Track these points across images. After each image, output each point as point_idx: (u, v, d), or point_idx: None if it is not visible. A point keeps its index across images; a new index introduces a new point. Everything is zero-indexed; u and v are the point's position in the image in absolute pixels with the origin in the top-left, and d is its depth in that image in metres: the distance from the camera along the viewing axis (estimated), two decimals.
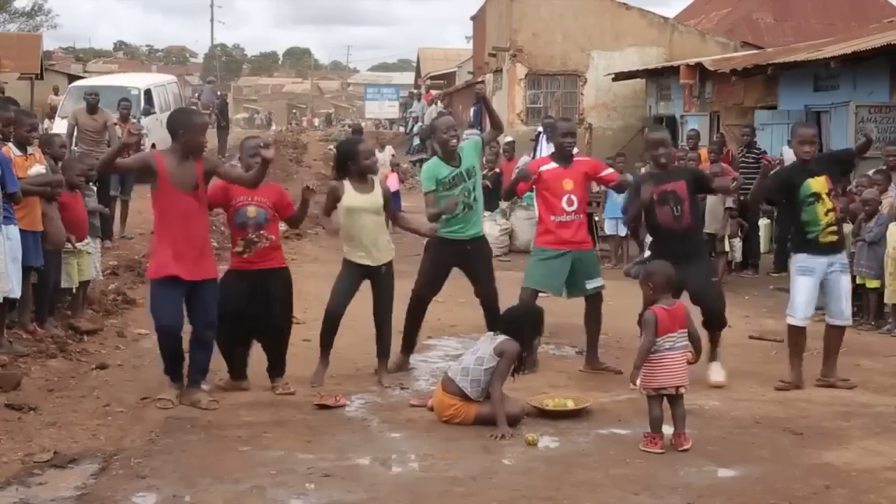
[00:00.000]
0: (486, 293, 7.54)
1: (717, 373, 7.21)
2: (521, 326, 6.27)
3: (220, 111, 26.99)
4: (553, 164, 7.56)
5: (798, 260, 7.26)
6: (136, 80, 22.02)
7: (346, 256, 7.13)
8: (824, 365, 7.31)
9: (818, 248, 7.12)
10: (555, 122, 8.08)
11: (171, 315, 6.32)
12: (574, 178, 7.48)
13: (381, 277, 7.11)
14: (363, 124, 40.82)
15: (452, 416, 6.11)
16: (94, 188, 9.77)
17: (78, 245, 8.34)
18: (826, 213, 7.08)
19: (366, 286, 7.17)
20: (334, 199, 7.05)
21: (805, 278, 7.18)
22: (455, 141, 7.39)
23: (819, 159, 7.24)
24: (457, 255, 7.45)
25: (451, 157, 7.43)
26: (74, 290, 8.44)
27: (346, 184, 7.04)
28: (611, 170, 7.91)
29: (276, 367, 6.92)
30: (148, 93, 20.57)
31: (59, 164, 8.40)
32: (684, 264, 6.57)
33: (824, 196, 7.07)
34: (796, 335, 7.25)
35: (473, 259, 7.49)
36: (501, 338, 6.22)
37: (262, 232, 6.69)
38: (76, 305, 8.51)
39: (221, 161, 6.49)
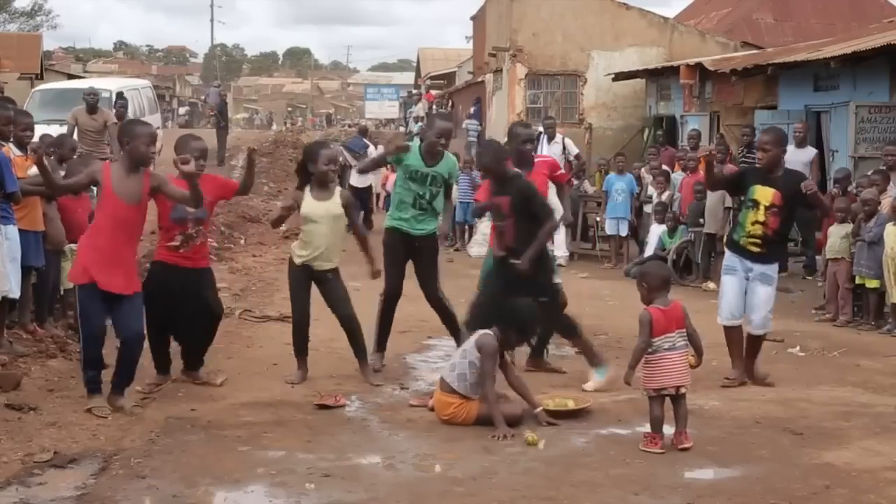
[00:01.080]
0: (426, 290, 7.64)
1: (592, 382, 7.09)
2: (487, 316, 6.29)
3: (219, 111, 26.97)
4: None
5: (725, 258, 7.38)
6: (107, 83, 21.27)
7: (291, 255, 7.19)
8: (735, 364, 7.28)
9: (739, 249, 7.17)
10: (513, 128, 8.06)
11: (97, 320, 6.20)
12: (536, 180, 7.53)
13: (327, 282, 7.12)
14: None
15: (453, 416, 6.11)
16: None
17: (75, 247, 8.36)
18: (753, 224, 7.07)
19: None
20: (289, 209, 7.13)
21: (729, 277, 7.25)
22: (440, 148, 7.51)
23: (786, 180, 7.10)
24: (406, 246, 7.54)
25: (431, 156, 7.52)
26: (63, 292, 8.43)
27: (307, 192, 7.08)
28: (562, 171, 8.06)
29: (199, 360, 7.02)
30: (120, 96, 19.53)
31: (64, 164, 8.41)
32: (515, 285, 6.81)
33: (762, 207, 7.04)
34: (726, 334, 7.29)
35: (420, 255, 7.59)
36: (481, 331, 6.22)
37: (200, 227, 6.76)
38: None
39: (167, 180, 6.38)
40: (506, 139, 7.98)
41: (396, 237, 7.57)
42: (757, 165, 7.29)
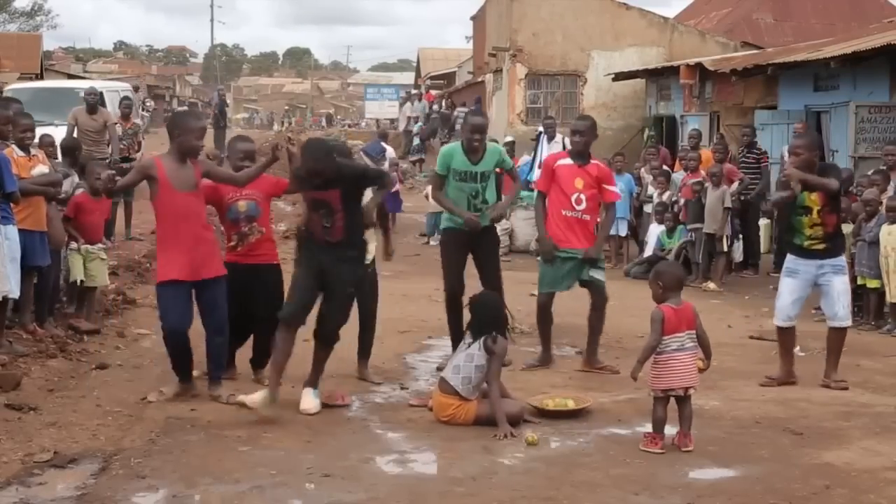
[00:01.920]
0: (488, 281, 7.58)
1: (307, 400, 6.39)
2: (482, 320, 6.29)
3: (219, 111, 26.97)
4: (568, 161, 7.62)
5: (787, 261, 7.41)
6: (81, 84, 19.81)
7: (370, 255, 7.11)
8: (826, 366, 7.34)
9: (803, 252, 7.21)
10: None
11: (177, 316, 6.37)
12: (585, 178, 7.54)
13: (366, 275, 7.11)
14: (363, 123, 40.78)
15: (452, 417, 6.11)
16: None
17: (91, 248, 8.39)
18: (811, 227, 7.13)
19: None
20: None
21: (788, 279, 7.28)
22: (477, 144, 7.47)
23: (822, 175, 7.11)
24: (465, 242, 7.55)
25: (472, 152, 7.50)
26: (79, 284, 8.44)
27: None
28: (616, 189, 7.85)
29: (263, 359, 6.99)
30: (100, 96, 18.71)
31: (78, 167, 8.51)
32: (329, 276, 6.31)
33: (815, 212, 7.11)
34: (780, 335, 7.36)
35: (480, 247, 7.59)
36: (487, 335, 6.21)
37: (254, 224, 6.82)
38: (88, 312, 8.48)
39: (212, 163, 6.51)
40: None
41: (455, 235, 7.56)
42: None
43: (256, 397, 6.17)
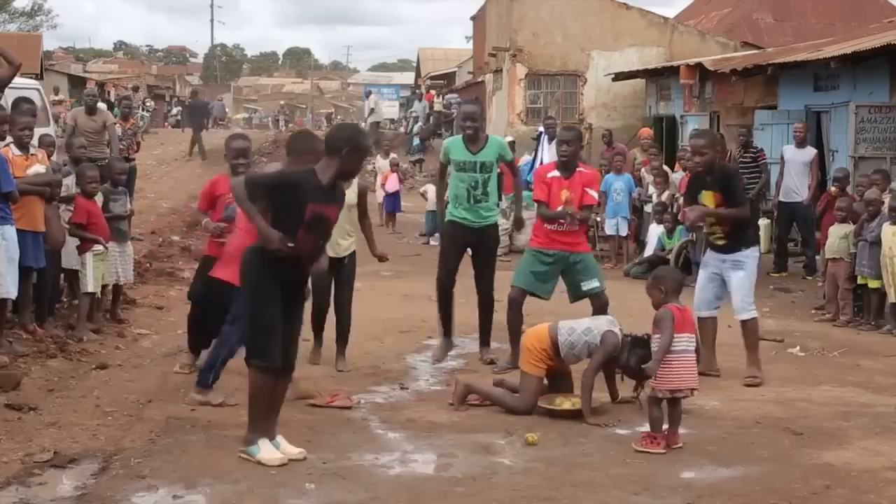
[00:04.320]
0: (480, 279, 7.69)
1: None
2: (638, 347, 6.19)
3: (210, 111, 26.70)
4: (556, 173, 7.59)
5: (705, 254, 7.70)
6: None
7: None
8: (746, 359, 7.42)
9: (710, 244, 7.51)
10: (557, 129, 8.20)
11: None
12: (571, 188, 7.50)
13: (343, 268, 7.30)
14: (363, 123, 40.70)
15: (535, 353, 6.30)
16: (126, 191, 9.34)
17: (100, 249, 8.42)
18: (711, 225, 7.37)
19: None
20: None
21: (702, 271, 7.57)
22: (470, 131, 7.56)
23: (717, 176, 7.32)
24: (465, 237, 7.65)
25: (471, 142, 7.56)
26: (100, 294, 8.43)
27: None
28: (595, 193, 7.65)
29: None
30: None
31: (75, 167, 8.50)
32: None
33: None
34: (698, 324, 7.31)
35: (479, 246, 7.68)
36: (613, 328, 6.30)
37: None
38: (92, 313, 8.47)
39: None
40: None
41: (456, 228, 7.65)
42: (698, 170, 7.42)
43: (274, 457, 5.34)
